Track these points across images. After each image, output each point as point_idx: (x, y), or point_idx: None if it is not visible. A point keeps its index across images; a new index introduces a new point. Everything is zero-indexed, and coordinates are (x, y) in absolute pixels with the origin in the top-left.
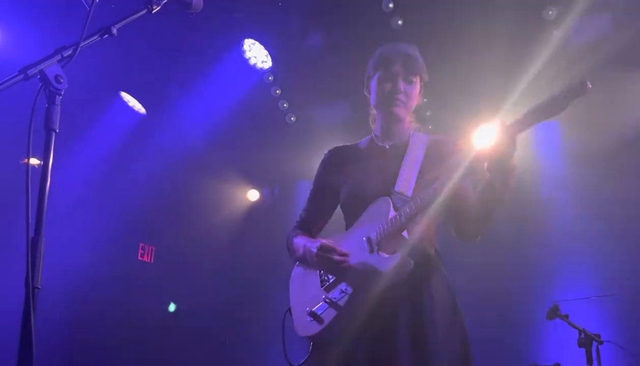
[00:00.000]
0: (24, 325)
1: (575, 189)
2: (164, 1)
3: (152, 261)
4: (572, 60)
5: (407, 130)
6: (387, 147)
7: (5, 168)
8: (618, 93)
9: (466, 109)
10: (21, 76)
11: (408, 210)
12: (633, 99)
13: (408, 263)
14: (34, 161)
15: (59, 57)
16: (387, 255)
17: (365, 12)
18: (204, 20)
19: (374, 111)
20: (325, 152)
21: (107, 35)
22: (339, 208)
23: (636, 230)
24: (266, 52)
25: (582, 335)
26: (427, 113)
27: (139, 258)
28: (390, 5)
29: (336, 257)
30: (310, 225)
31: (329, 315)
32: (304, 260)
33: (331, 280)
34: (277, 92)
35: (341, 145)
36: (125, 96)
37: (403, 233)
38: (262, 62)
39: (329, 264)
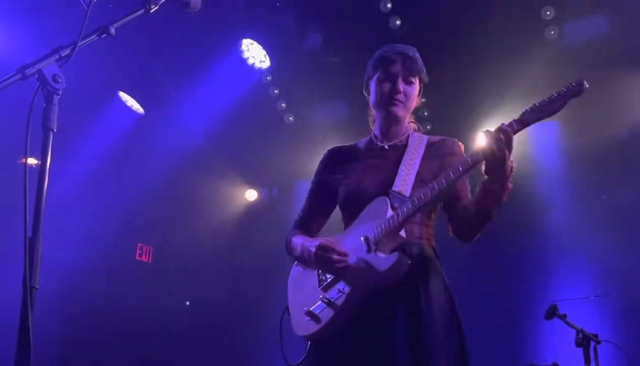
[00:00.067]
0: (22, 324)
1: (574, 189)
2: (162, 1)
3: (150, 261)
4: (569, 60)
5: (406, 130)
6: (386, 147)
7: (2, 168)
8: (616, 93)
9: (465, 109)
10: (19, 75)
11: (405, 209)
12: (631, 99)
13: (405, 263)
14: (31, 161)
15: (56, 56)
16: (384, 255)
17: (363, 12)
18: (202, 20)
19: (373, 111)
20: (325, 151)
21: (105, 35)
22: (337, 208)
23: (634, 230)
24: (264, 52)
25: (580, 335)
26: (425, 113)
27: (137, 258)
28: (388, 5)
29: (335, 257)
30: (309, 224)
31: (327, 315)
32: (303, 260)
33: (329, 280)
34: (275, 91)
35: (340, 145)
36: (124, 96)
37: (401, 233)
38: (260, 61)
39: (327, 263)
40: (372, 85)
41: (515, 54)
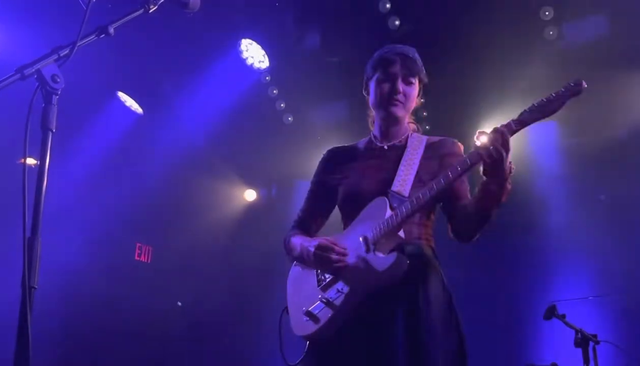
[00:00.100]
0: (21, 324)
1: (573, 189)
2: (161, 1)
3: (149, 261)
4: (568, 60)
5: (406, 131)
6: (386, 147)
7: (1, 168)
8: (615, 94)
9: (464, 110)
10: (18, 75)
11: (404, 209)
12: (630, 99)
13: (404, 263)
14: (30, 161)
15: (55, 56)
16: (383, 255)
17: (362, 12)
18: (201, 20)
19: (372, 112)
20: (324, 152)
21: (104, 35)
22: (337, 209)
23: (633, 230)
24: (263, 52)
25: (579, 335)
26: (424, 113)
27: (136, 258)
28: (387, 5)
29: (334, 256)
30: (308, 224)
31: (325, 315)
32: (302, 260)
33: (328, 280)
34: (274, 92)
35: (340, 145)
36: (122, 96)
37: (399, 233)
38: (260, 62)
39: (326, 263)
40: (372, 85)
41: (514, 55)
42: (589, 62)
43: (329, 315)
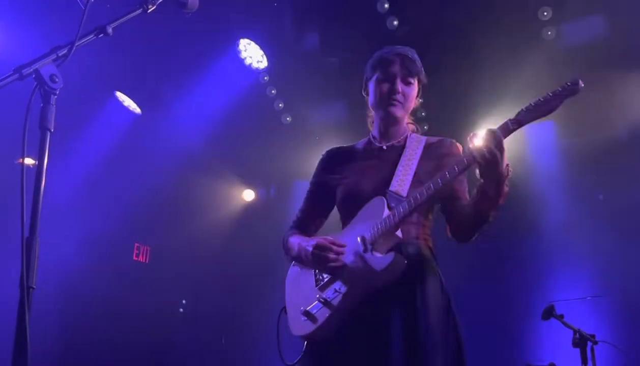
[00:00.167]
0: (19, 324)
1: (571, 189)
2: (160, 1)
3: (147, 261)
4: (567, 60)
5: (405, 131)
6: (384, 147)
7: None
8: (613, 94)
9: (462, 110)
10: (16, 75)
11: (402, 209)
12: (628, 99)
13: (401, 263)
14: (28, 161)
15: (54, 56)
16: (380, 255)
17: (361, 12)
18: (199, 20)
19: (372, 112)
20: (323, 152)
21: (102, 35)
22: (335, 209)
23: (631, 230)
24: (262, 52)
25: (577, 335)
26: (423, 113)
27: (134, 258)
28: (386, 5)
29: (331, 256)
30: (307, 224)
31: (323, 315)
32: (300, 259)
33: (325, 279)
34: (273, 92)
35: (339, 146)
36: (121, 96)
37: (397, 233)
38: (258, 62)
39: (323, 263)
40: (371, 85)
41: (512, 55)
42: (588, 62)
43: (327, 315)
